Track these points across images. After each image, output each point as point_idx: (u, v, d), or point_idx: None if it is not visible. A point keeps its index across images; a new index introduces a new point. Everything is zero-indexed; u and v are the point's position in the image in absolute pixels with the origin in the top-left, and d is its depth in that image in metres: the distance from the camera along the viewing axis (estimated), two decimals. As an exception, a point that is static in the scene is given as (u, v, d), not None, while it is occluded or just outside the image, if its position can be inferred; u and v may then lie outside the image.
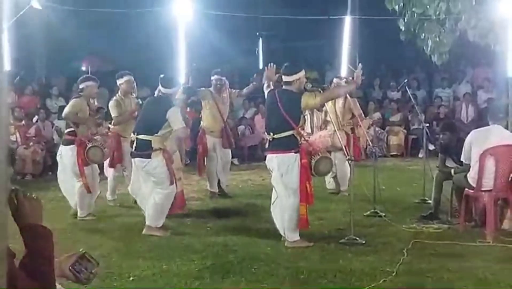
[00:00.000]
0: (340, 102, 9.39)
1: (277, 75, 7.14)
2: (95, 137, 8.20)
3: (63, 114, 8.41)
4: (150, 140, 7.18)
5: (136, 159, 7.34)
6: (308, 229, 6.83)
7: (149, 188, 7.39)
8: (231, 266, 5.96)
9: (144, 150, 7.21)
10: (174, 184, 7.38)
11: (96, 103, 8.81)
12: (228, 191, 10.05)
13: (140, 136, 7.27)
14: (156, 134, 7.18)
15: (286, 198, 6.66)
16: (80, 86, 8.30)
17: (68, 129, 8.27)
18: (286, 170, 6.58)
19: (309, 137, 7.04)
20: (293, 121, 6.62)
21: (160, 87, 7.56)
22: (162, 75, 7.63)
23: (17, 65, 13.93)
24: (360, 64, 7.09)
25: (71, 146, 8.09)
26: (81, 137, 8.02)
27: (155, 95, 7.86)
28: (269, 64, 7.19)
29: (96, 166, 8.41)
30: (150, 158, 7.16)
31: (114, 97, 9.03)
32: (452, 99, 16.76)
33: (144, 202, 7.59)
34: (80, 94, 8.26)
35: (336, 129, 8.22)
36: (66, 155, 8.16)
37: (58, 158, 8.45)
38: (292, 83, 6.76)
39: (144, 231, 7.30)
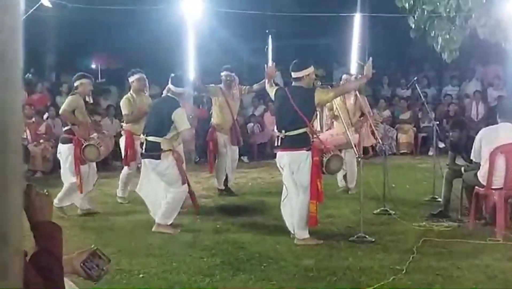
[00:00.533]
0: (351, 99, 9.35)
1: (277, 72, 7.14)
2: (92, 136, 8.27)
3: (60, 111, 8.50)
4: (159, 142, 7.23)
5: (146, 160, 7.39)
6: (317, 226, 6.83)
7: (161, 188, 7.42)
8: (241, 263, 5.97)
9: (153, 151, 7.25)
10: (186, 183, 7.41)
11: (91, 100, 8.85)
12: (237, 188, 10.07)
13: (150, 138, 7.32)
14: (165, 137, 7.22)
15: (296, 196, 6.66)
16: (75, 84, 8.39)
17: (65, 128, 8.37)
18: (297, 167, 6.57)
19: (319, 135, 7.05)
20: (307, 118, 6.61)
21: (170, 85, 7.56)
22: (173, 74, 7.65)
23: (27, 63, 13.97)
24: (370, 58, 7.07)
25: (69, 144, 8.19)
26: (78, 136, 8.11)
27: (163, 94, 7.86)
28: (269, 62, 7.20)
29: (94, 164, 8.46)
30: (160, 158, 7.20)
31: (126, 96, 9.08)
32: (463, 97, 16.70)
33: (152, 202, 7.61)
34: (75, 92, 8.33)
35: (346, 127, 8.19)
36: (64, 153, 8.26)
37: (58, 156, 8.55)
38: (302, 79, 6.76)
39: (153, 229, 7.32)
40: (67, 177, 8.26)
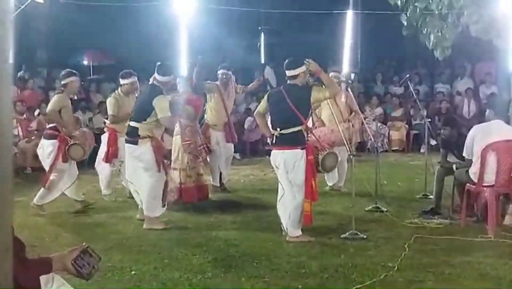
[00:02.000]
0: (342, 97, 9.36)
1: (269, 69, 7.05)
2: (75, 134, 8.22)
3: (47, 111, 8.41)
4: (138, 128, 7.25)
5: (126, 145, 7.47)
6: (311, 225, 6.82)
7: (139, 174, 7.42)
8: (233, 260, 5.97)
9: (133, 136, 7.32)
10: (163, 172, 7.40)
11: (76, 97, 8.79)
12: (229, 185, 10.06)
13: (131, 123, 7.41)
14: (143, 122, 7.25)
15: (291, 194, 6.62)
16: (63, 82, 8.31)
17: (50, 124, 8.33)
18: (292, 166, 6.54)
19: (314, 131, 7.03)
20: (302, 116, 6.60)
21: (155, 74, 7.58)
22: (159, 63, 7.64)
23: (18, 59, 13.90)
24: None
25: (53, 140, 8.14)
26: (64, 135, 8.08)
27: (150, 82, 7.87)
28: (261, 59, 7.15)
29: (74, 164, 8.38)
30: (137, 144, 7.26)
31: (113, 95, 8.92)
32: (454, 94, 16.73)
33: (135, 189, 7.61)
34: (62, 90, 8.27)
35: (338, 124, 8.17)
36: (47, 148, 8.20)
37: (38, 151, 8.50)
38: (297, 77, 6.73)
39: (144, 226, 7.31)
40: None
